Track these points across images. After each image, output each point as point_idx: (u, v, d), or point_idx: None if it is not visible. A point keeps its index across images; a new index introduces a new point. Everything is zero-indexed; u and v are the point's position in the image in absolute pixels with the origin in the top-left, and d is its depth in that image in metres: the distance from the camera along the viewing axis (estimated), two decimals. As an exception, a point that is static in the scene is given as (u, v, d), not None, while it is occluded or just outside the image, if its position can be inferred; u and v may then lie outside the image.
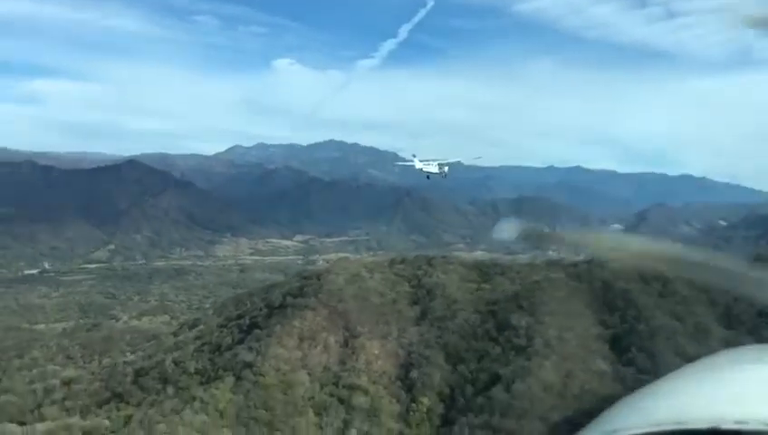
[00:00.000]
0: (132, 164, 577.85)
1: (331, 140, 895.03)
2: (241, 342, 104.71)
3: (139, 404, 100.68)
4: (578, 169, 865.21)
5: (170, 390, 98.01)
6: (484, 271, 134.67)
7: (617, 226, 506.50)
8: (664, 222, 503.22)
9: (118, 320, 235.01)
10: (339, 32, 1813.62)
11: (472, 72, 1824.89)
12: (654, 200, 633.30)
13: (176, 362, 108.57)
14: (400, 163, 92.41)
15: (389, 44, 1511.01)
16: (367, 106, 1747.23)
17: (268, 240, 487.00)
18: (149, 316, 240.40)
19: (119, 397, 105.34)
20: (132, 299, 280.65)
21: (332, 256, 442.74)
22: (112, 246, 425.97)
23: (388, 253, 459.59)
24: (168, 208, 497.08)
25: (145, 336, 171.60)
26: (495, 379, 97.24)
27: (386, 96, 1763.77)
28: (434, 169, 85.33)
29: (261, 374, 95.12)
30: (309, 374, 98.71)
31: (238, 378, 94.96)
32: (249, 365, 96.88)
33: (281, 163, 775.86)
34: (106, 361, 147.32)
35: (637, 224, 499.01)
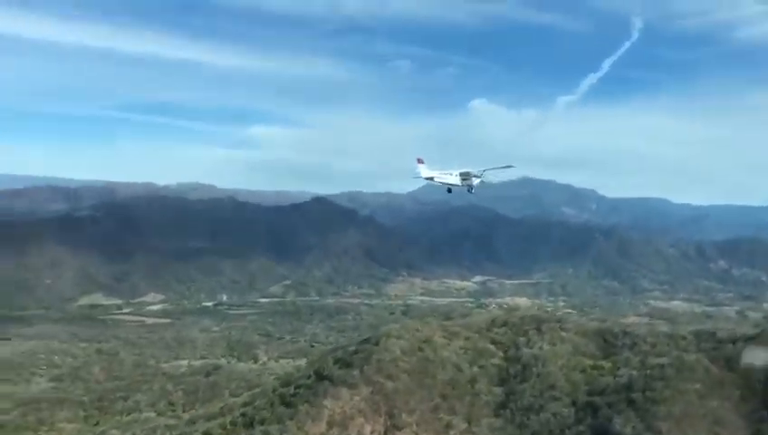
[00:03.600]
0: (320, 201, 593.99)
1: (523, 178, 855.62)
2: (262, 422, 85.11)
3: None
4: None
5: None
6: (609, 342, 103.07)
7: None
8: None
9: (256, 361, 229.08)
10: (535, 70, 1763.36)
11: (681, 104, 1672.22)
12: None
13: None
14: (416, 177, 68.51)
15: (590, 79, 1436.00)
16: (565, 143, 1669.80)
17: (444, 280, 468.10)
18: (288, 359, 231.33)
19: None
20: (284, 338, 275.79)
21: (507, 299, 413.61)
22: (289, 282, 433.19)
23: (572, 298, 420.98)
24: (349, 245, 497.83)
25: (250, 385, 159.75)
26: None
27: (586, 132, 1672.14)
28: (453, 179, 64.26)
29: (262, 471, 74.59)
30: (328, 475, 76.46)
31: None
32: (254, 457, 76.96)
33: (469, 201, 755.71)
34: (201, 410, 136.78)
35: None
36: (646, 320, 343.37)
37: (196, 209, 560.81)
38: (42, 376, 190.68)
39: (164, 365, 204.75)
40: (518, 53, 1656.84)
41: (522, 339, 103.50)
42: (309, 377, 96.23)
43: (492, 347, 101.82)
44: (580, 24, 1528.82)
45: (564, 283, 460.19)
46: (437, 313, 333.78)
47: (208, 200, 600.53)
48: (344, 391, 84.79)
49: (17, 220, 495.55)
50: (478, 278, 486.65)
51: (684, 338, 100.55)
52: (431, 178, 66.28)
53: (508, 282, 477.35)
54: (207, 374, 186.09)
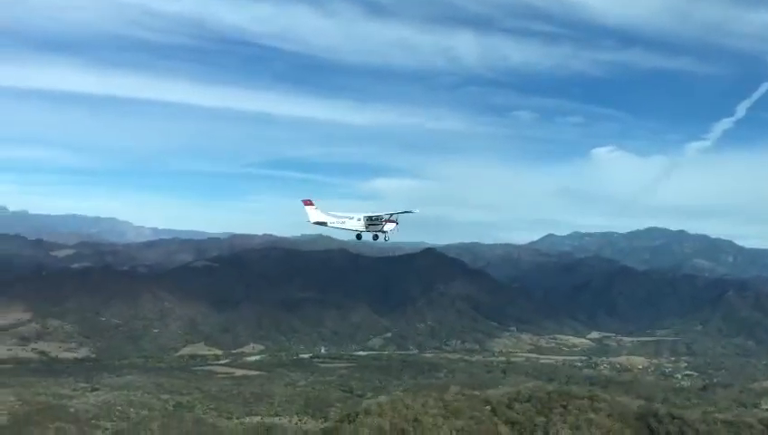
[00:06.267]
0: (431, 253, 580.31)
1: (652, 228, 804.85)
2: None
3: None
4: None
5: None
6: (653, 429, 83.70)
7: None
8: None
9: (327, 420, 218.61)
10: (663, 116, 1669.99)
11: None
12: None
13: None
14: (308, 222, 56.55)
15: (724, 124, 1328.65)
16: (698, 191, 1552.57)
17: (556, 336, 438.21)
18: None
19: None
20: (364, 395, 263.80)
21: (623, 358, 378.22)
22: (389, 334, 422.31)
23: (696, 358, 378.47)
24: (456, 298, 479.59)
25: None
26: None
27: (722, 179, 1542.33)
28: (355, 224, 52.76)
29: None
30: None
31: None
32: None
33: (593, 252, 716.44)
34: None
35: None
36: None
37: (308, 260, 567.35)
38: (106, 429, 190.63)
39: (225, 422, 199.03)
40: (643, 99, 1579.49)
41: (541, 419, 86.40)
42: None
43: (503, 429, 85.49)
44: (710, 68, 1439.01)
45: (690, 341, 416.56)
46: (539, 372, 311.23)
47: (320, 252, 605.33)
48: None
49: (140, 272, 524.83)
50: (595, 335, 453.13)
51: (751, 427, 79.63)
52: (323, 223, 54.93)
53: (627, 339, 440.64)
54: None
